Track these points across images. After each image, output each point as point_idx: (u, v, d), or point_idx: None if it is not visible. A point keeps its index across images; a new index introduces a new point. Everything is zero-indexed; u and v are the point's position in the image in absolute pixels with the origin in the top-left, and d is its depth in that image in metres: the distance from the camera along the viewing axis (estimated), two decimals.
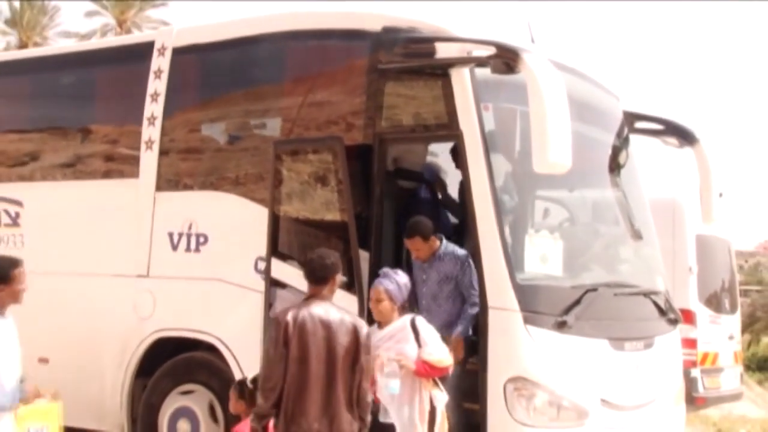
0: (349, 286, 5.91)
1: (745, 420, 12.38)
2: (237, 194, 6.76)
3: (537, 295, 5.76)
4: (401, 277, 5.44)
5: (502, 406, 5.54)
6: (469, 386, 5.81)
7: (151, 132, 7.18)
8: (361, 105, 6.26)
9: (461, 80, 5.82)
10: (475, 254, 5.75)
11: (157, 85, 7.21)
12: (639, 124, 7.52)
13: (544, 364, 5.61)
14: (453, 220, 7.21)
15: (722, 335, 10.86)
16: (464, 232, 6.52)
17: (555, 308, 5.74)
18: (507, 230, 5.70)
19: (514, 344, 5.60)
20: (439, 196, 7.33)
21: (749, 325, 20.00)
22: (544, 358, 5.62)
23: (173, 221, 6.97)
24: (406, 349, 5.26)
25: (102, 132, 7.79)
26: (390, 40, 6.11)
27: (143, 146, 7.20)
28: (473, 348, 5.88)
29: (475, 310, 5.86)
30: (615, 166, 6.95)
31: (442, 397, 5.34)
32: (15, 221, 7.86)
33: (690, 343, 9.69)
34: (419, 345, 5.29)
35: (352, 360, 4.53)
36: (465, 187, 5.92)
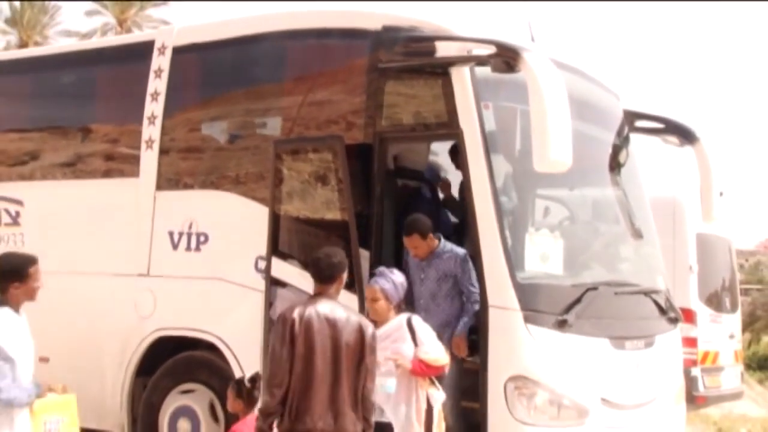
0: (350, 285, 5.87)
1: (746, 419, 12.38)
2: (237, 193, 6.76)
3: (537, 294, 5.76)
4: (397, 276, 5.43)
5: (503, 405, 5.54)
6: (467, 385, 5.82)
7: (151, 131, 7.18)
8: (362, 104, 6.26)
9: (461, 79, 5.82)
10: (476, 253, 5.75)
11: (157, 85, 7.21)
12: (639, 123, 7.52)
13: (545, 362, 5.62)
14: (453, 219, 7.21)
15: (723, 334, 10.86)
16: (464, 232, 6.52)
17: (555, 307, 5.74)
18: (507, 229, 5.70)
19: (515, 343, 5.60)
20: (440, 195, 7.33)
21: (750, 324, 20.03)
22: (544, 357, 5.62)
23: (174, 220, 6.97)
24: (403, 348, 5.25)
25: (102, 131, 7.80)
26: (390, 39, 6.11)
27: (143, 145, 7.20)
28: (473, 347, 5.88)
29: (476, 307, 5.86)
30: (615, 165, 6.95)
31: (438, 396, 5.34)
32: (15, 220, 7.86)
33: (690, 342, 9.69)
34: (415, 344, 5.28)
35: (358, 359, 4.51)
36: (465, 185, 5.92)
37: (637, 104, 7.67)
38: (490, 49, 5.68)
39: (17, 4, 33.90)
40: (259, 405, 4.65)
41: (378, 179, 6.14)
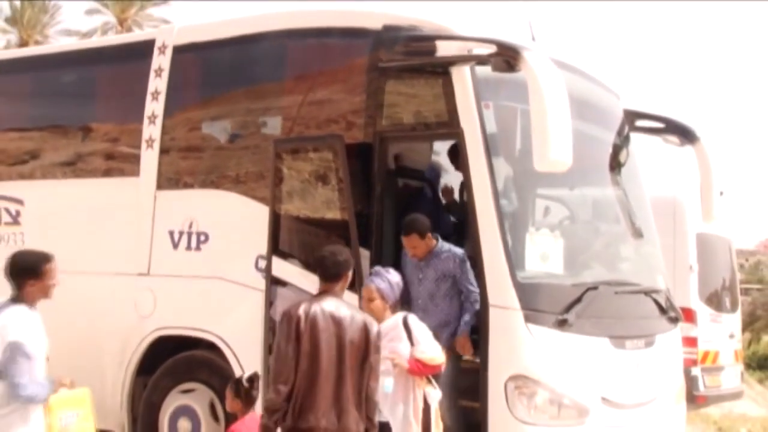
0: (350, 285, 5.89)
1: (746, 418, 12.39)
2: (238, 192, 6.76)
3: (538, 293, 5.76)
4: (393, 276, 5.43)
5: (503, 405, 5.54)
6: (467, 384, 5.82)
7: (151, 130, 7.18)
8: (362, 103, 6.26)
9: (462, 78, 5.82)
10: (476, 252, 5.74)
11: (157, 84, 7.21)
12: (640, 123, 7.52)
13: (545, 362, 5.62)
14: (453, 220, 7.21)
15: (723, 334, 10.86)
16: (464, 232, 6.52)
17: (556, 306, 5.74)
18: (508, 228, 5.70)
19: (515, 342, 5.60)
20: (441, 195, 7.33)
21: (750, 323, 20.05)
22: (544, 357, 5.62)
23: (174, 219, 6.97)
24: (399, 347, 5.25)
25: (103, 130, 7.79)
26: (390, 38, 6.11)
27: (144, 144, 7.20)
28: (473, 346, 5.88)
29: (476, 306, 5.86)
30: (616, 165, 6.95)
31: (435, 395, 5.35)
32: (16, 219, 7.86)
33: (690, 342, 9.69)
34: (412, 343, 5.29)
35: (362, 358, 4.50)
36: (465, 185, 5.92)
37: (637, 104, 7.67)
38: (490, 49, 5.68)
39: (17, 3, 33.91)
40: (264, 402, 4.63)
41: (378, 179, 6.14)
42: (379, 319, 5.34)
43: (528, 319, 5.59)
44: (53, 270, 4.80)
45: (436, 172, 7.43)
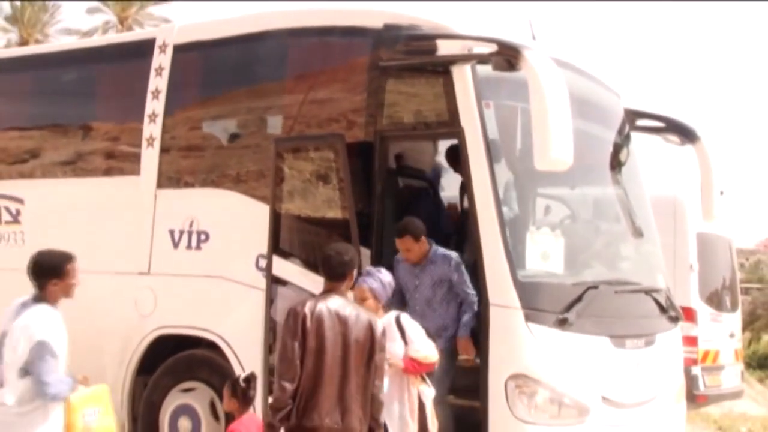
0: None
1: (746, 418, 12.39)
2: (238, 191, 6.76)
3: (538, 293, 5.76)
4: (385, 276, 5.41)
5: (503, 404, 5.55)
6: (466, 383, 5.81)
7: (152, 129, 7.18)
8: (363, 102, 6.26)
9: (462, 77, 5.82)
10: (477, 251, 5.74)
11: (158, 82, 7.21)
12: (640, 122, 7.52)
13: (546, 361, 5.62)
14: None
15: (723, 333, 10.87)
16: (465, 234, 6.52)
17: (556, 305, 5.74)
18: (508, 227, 5.70)
19: (515, 341, 5.60)
20: (441, 195, 7.32)
21: (750, 323, 20.07)
22: (545, 356, 5.62)
23: (174, 218, 6.97)
24: (393, 347, 5.23)
25: (103, 129, 7.79)
26: (391, 37, 6.11)
27: (144, 143, 7.20)
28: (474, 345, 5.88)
29: (475, 308, 5.86)
30: (616, 164, 6.95)
31: (429, 393, 5.36)
32: (16, 218, 7.86)
33: (691, 341, 9.70)
34: (405, 342, 5.29)
35: (367, 356, 4.50)
36: (466, 184, 5.92)
37: (637, 103, 7.67)
38: (491, 48, 5.67)
39: (18, 2, 33.91)
40: (271, 400, 4.62)
41: (379, 178, 6.14)
42: None
43: (528, 318, 5.59)
44: (75, 269, 4.83)
45: (437, 171, 7.42)
